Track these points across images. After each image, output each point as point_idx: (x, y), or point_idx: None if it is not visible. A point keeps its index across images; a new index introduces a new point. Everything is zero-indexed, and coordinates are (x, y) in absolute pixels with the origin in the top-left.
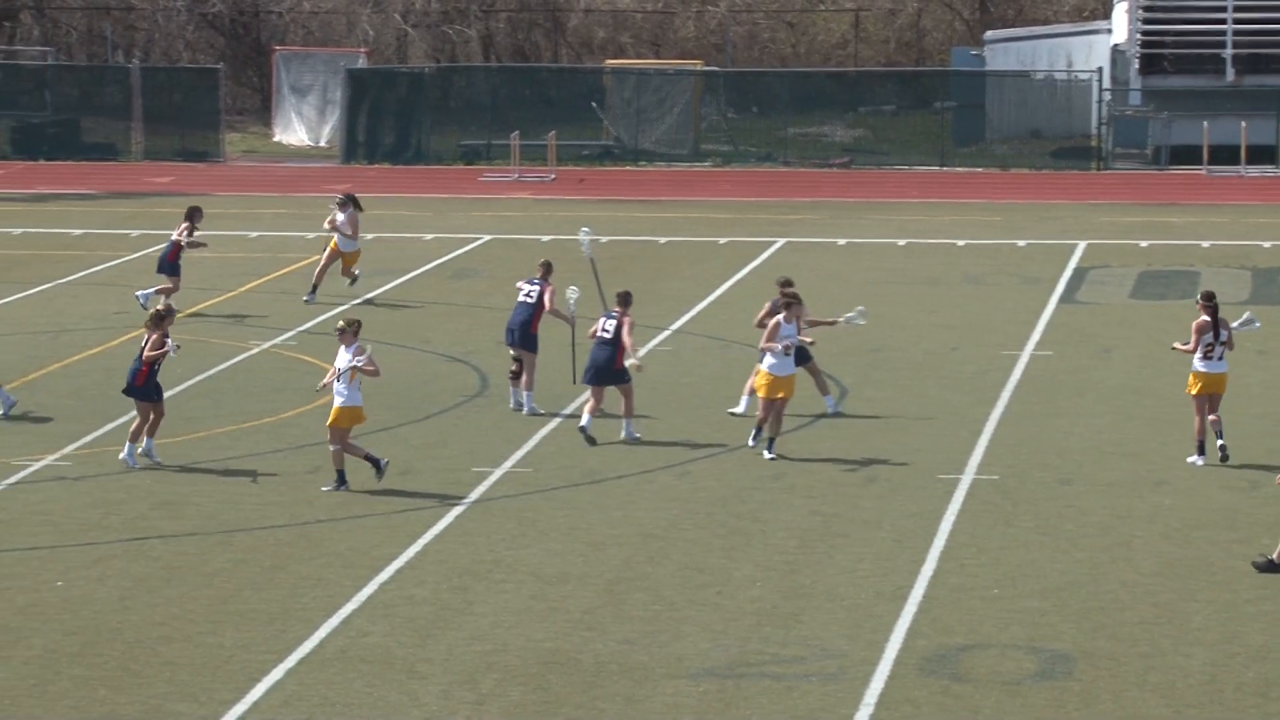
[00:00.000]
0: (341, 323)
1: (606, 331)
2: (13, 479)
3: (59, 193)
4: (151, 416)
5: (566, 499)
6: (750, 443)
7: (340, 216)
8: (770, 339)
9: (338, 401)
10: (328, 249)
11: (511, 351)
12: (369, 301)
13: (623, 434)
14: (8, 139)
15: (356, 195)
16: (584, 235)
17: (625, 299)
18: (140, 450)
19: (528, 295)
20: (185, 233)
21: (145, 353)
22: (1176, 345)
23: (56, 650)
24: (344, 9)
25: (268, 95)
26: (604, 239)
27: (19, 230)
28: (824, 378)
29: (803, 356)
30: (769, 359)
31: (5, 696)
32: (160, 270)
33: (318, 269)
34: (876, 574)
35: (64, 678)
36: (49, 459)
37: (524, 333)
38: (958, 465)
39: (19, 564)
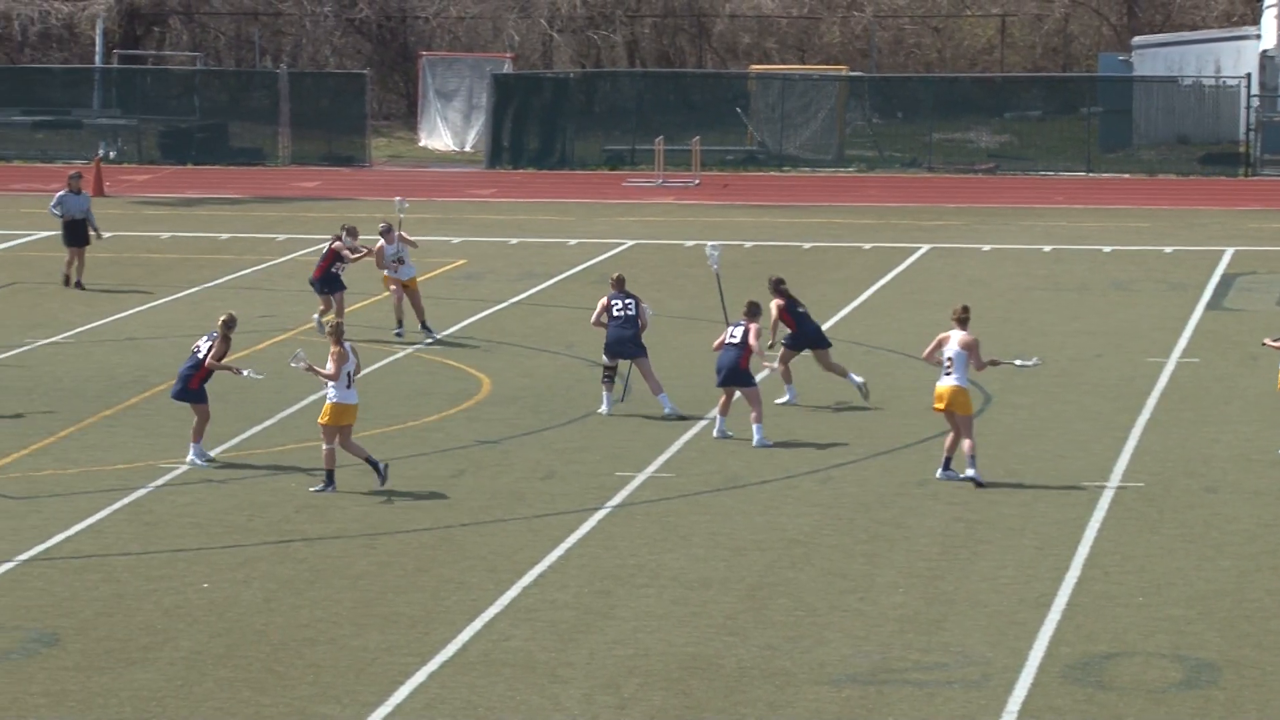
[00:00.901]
0: (329, 328)
1: (734, 337)
2: (160, 481)
3: (206, 197)
4: (196, 419)
5: (709, 504)
6: (939, 474)
7: (388, 246)
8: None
9: (333, 399)
10: (393, 289)
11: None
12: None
13: (754, 440)
14: (156, 144)
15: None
16: (711, 250)
17: (753, 310)
18: (191, 457)
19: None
20: (346, 248)
21: (209, 360)
22: (1267, 341)
23: (202, 652)
24: (490, 14)
25: (413, 100)
26: (748, 244)
27: (167, 234)
28: (789, 372)
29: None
30: (948, 379)
31: (152, 698)
32: (323, 289)
33: (395, 310)
34: (1020, 581)
35: (209, 679)
36: (199, 462)
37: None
38: (1102, 472)
39: (166, 566)
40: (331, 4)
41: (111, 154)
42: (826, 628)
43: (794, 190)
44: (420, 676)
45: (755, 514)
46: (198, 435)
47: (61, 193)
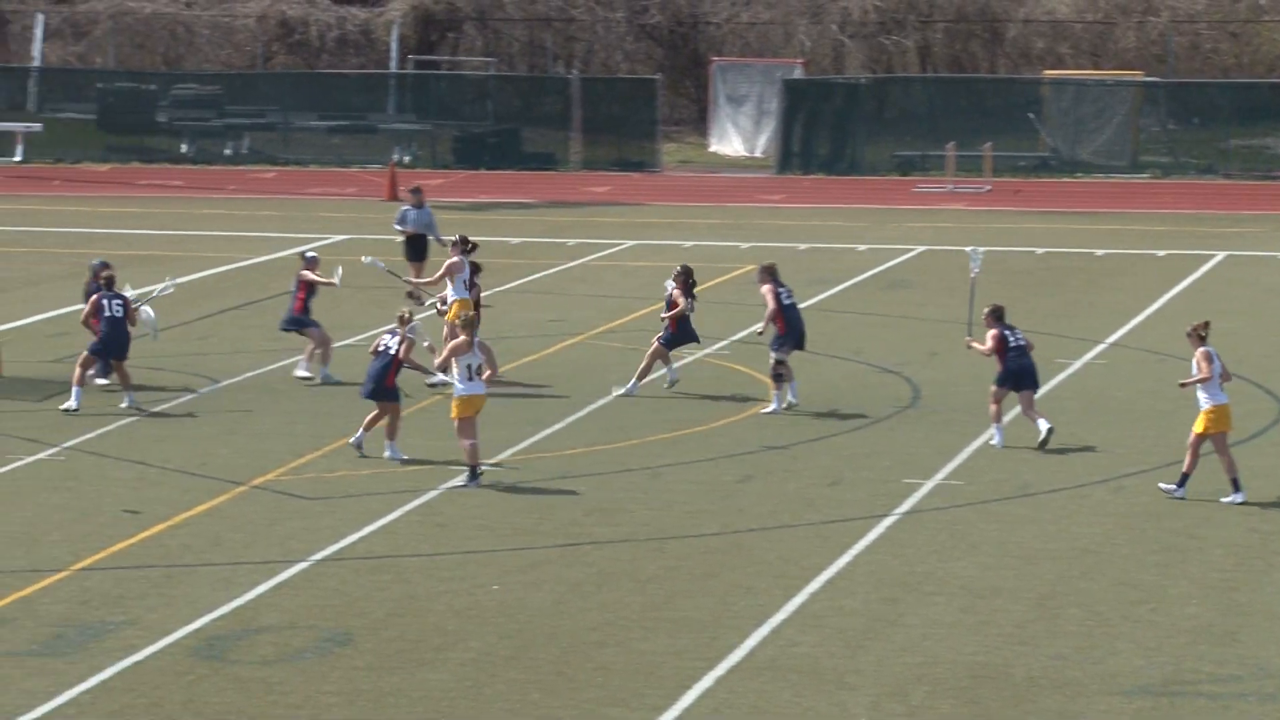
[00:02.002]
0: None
1: (1020, 340)
2: (451, 483)
3: (498, 201)
4: (388, 418)
5: (998, 512)
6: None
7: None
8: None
9: (458, 392)
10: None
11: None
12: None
13: (1041, 434)
14: (450, 148)
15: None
16: (973, 253)
17: (997, 313)
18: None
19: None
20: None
21: (402, 356)
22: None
23: (492, 653)
24: (781, 20)
25: (704, 105)
26: (1039, 251)
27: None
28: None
29: None
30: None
31: (443, 698)
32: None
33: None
34: None
35: (499, 680)
36: (486, 464)
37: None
38: None
39: (457, 567)
40: (624, 10)
41: (405, 159)
42: (1118, 638)
43: (1086, 197)
44: (707, 681)
45: (1046, 522)
46: (392, 433)
47: (405, 207)
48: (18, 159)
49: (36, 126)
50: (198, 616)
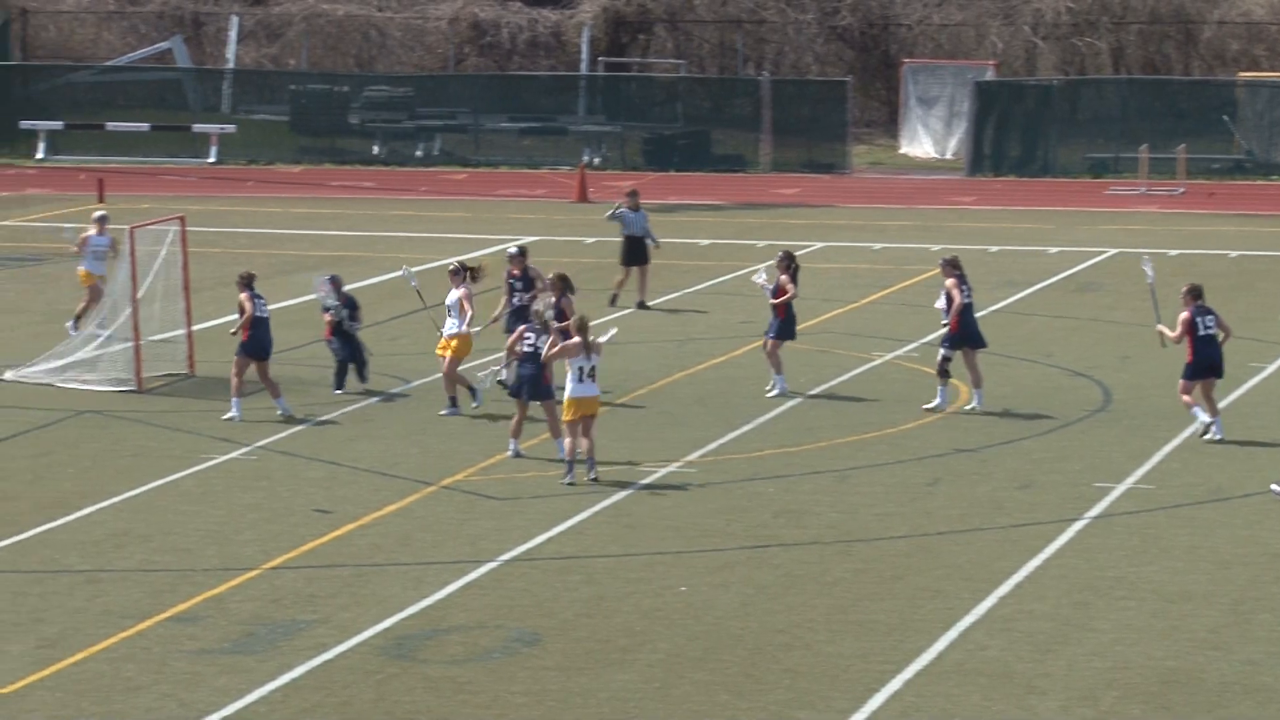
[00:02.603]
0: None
1: (1211, 328)
2: (641, 484)
3: (688, 203)
4: (548, 419)
5: (1190, 516)
6: None
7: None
8: None
9: (569, 394)
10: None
11: None
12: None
13: (1206, 428)
14: (640, 150)
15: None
16: (1145, 262)
17: (1199, 290)
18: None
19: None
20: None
21: (545, 355)
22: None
23: (680, 654)
24: (973, 21)
25: (894, 107)
26: (1233, 254)
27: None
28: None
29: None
30: None
31: (630, 699)
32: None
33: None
34: None
35: (686, 682)
36: (674, 465)
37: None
38: None
39: (645, 568)
40: (814, 11)
41: (595, 161)
42: None
43: None
44: (895, 684)
45: (1239, 527)
46: (556, 432)
47: (621, 209)
48: (212, 160)
49: (230, 128)
50: (387, 616)
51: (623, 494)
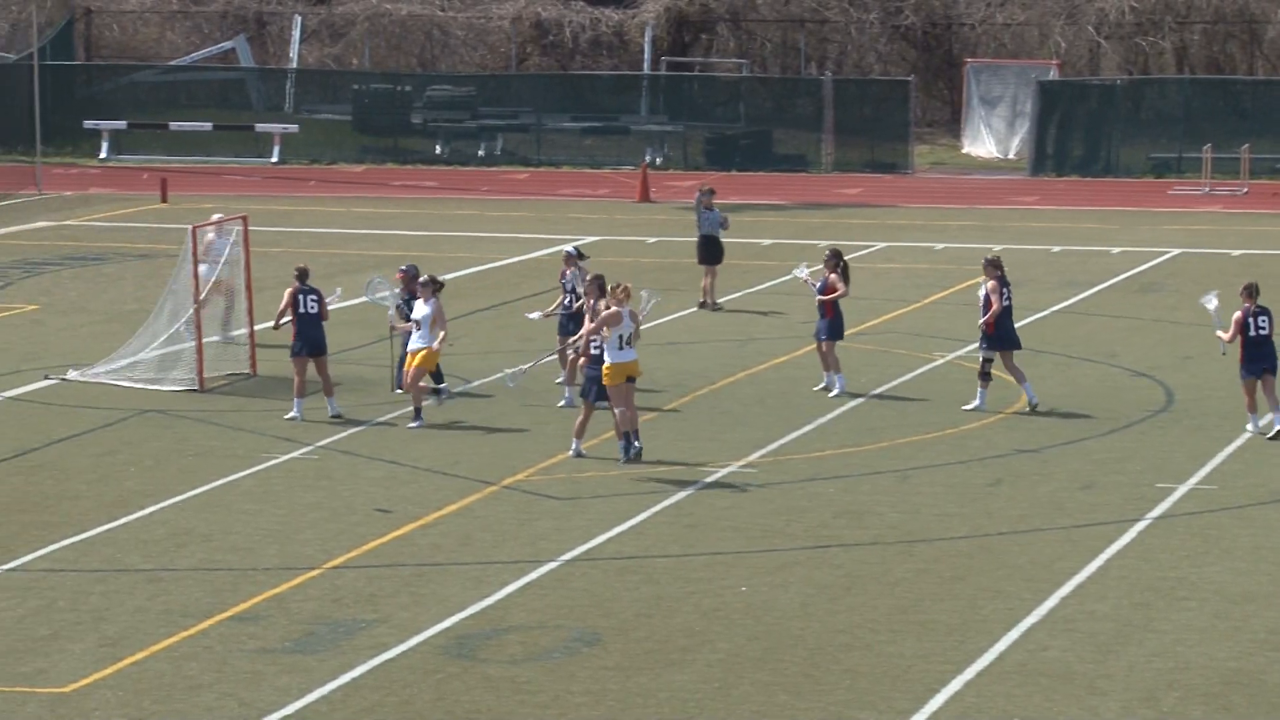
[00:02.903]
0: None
1: (1264, 330)
2: (702, 484)
3: (751, 203)
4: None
5: (1253, 517)
6: None
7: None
8: None
9: (610, 360)
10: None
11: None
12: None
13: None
14: (702, 150)
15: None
16: (1209, 302)
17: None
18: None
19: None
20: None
21: (587, 330)
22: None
23: (739, 654)
24: (1037, 21)
25: (957, 107)
26: None
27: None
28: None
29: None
30: None
31: (690, 699)
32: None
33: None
34: None
35: (746, 682)
36: (735, 465)
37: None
38: None
39: (705, 568)
40: (877, 11)
41: (657, 160)
42: None
43: None
44: (956, 685)
45: None
46: (620, 434)
47: (710, 211)
48: (275, 160)
49: (293, 127)
50: (448, 615)
51: (683, 494)
